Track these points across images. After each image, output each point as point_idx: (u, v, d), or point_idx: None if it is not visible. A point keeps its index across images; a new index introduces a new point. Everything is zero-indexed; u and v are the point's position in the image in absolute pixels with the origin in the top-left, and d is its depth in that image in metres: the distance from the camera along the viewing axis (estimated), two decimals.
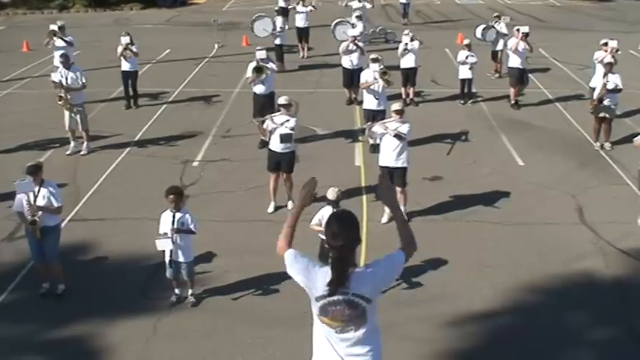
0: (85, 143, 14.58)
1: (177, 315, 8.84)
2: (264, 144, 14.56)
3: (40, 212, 8.88)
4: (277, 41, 20.95)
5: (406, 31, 18.12)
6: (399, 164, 11.03)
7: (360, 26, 20.48)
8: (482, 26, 20.52)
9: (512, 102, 17.44)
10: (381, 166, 11.08)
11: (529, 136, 15.34)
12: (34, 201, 8.86)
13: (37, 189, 8.89)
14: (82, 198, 12.25)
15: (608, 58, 14.83)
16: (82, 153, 14.40)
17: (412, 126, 11.28)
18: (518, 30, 17.24)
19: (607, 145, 14.36)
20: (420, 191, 12.31)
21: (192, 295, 9.16)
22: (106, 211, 11.55)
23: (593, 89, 14.49)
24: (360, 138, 15.16)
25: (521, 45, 16.91)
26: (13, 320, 8.79)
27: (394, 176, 10.93)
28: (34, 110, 17.59)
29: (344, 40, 18.21)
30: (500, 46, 20.05)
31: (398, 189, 10.82)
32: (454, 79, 20.00)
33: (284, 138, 11.42)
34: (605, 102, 14.05)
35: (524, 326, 8.52)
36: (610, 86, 13.98)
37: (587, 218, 11.34)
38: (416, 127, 15.14)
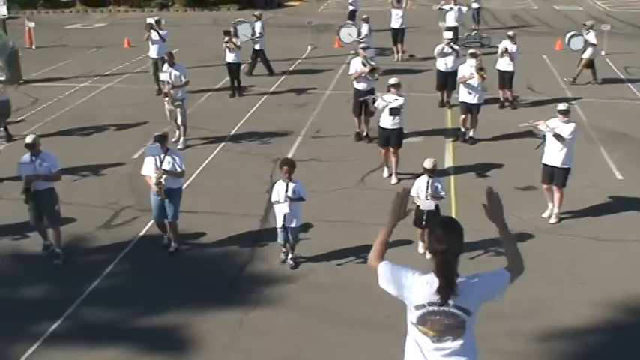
0: (182, 138, 15.03)
1: (264, 310, 8.96)
2: (360, 137, 15.20)
3: (164, 176, 9.88)
4: (257, 46, 20.91)
5: (510, 33, 17.94)
6: (560, 164, 11.13)
7: (365, 29, 21.26)
8: (570, 34, 20.34)
9: None
10: (544, 164, 11.34)
11: (628, 149, 14.78)
12: (160, 166, 9.85)
13: (162, 156, 9.95)
14: None
15: None
16: (178, 147, 14.81)
17: (577, 127, 11.28)
18: None
19: None
20: (512, 201, 12.05)
21: (292, 258, 10.01)
22: (198, 204, 11.78)
23: None
24: (455, 137, 15.23)
25: None
26: (105, 306, 9.13)
27: (554, 175, 11.17)
28: (133, 104, 18.22)
29: (349, 43, 20.61)
30: (585, 55, 19.60)
31: (555, 188, 11.23)
32: (551, 86, 19.58)
33: (393, 112, 12.62)
34: None
35: (615, 346, 8.23)
36: None
37: None
38: (507, 131, 15.06)
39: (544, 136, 11.56)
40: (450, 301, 4.22)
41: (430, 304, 4.25)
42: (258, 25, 21.05)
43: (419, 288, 4.29)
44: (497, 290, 4.41)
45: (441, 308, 4.24)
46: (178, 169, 10.08)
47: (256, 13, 22.33)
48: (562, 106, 11.30)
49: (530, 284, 9.45)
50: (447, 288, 4.18)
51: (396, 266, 4.46)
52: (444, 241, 4.19)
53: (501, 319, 8.47)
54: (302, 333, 8.48)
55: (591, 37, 19.53)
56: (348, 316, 8.70)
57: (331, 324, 8.61)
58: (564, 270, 9.90)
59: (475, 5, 28.27)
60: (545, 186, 11.46)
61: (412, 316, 4.38)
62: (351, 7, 28.60)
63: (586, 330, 8.53)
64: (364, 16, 22.05)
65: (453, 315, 4.25)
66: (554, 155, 11.16)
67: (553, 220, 11.32)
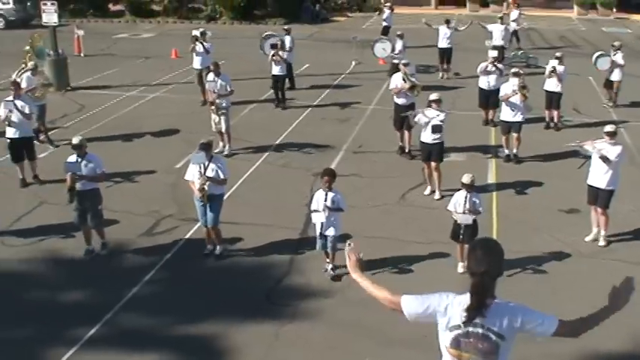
0: (227, 145, 15.32)
1: (300, 324, 8.94)
2: (403, 150, 15.34)
3: (208, 182, 10.12)
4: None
5: (558, 54, 17.76)
6: (604, 186, 11.00)
7: (399, 44, 21.27)
8: (598, 53, 20.05)
9: None
10: (589, 185, 11.21)
11: None
12: (204, 172, 10.12)
13: (207, 163, 10.21)
14: None
15: None
16: (224, 153, 15.01)
17: (624, 150, 11.13)
18: None
19: None
20: (554, 223, 11.91)
21: (332, 268, 10.06)
22: (239, 215, 11.83)
23: None
24: (497, 154, 15.21)
25: None
26: (144, 312, 9.23)
27: (598, 196, 11.06)
28: (178, 114, 18.46)
29: (383, 57, 21.48)
30: (615, 77, 19.29)
31: (599, 210, 11.10)
32: (597, 108, 19.29)
33: (435, 129, 12.70)
34: None
35: None
36: None
37: None
38: (551, 151, 14.87)
39: (587, 156, 11.41)
40: (484, 324, 4.15)
41: (465, 324, 4.19)
42: (287, 40, 21.16)
43: (455, 309, 4.23)
44: (536, 326, 4.22)
45: (475, 330, 4.17)
46: (222, 176, 10.32)
47: (286, 27, 22.53)
48: (609, 127, 11.14)
49: (569, 307, 9.28)
50: (475, 309, 4.11)
51: (420, 296, 4.38)
52: (484, 262, 4.13)
53: (535, 340, 8.33)
54: (338, 348, 8.44)
55: (619, 57, 19.21)
56: (384, 333, 8.63)
57: (368, 340, 8.55)
58: (605, 295, 9.67)
59: (514, 25, 28.04)
60: (592, 207, 11.30)
61: (445, 339, 4.31)
62: (384, 23, 28.99)
63: (623, 356, 8.35)
64: (399, 32, 22.04)
65: (487, 339, 4.17)
66: (599, 176, 11.00)
67: (602, 242, 11.13)
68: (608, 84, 19.65)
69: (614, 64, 19.25)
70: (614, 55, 19.36)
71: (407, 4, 41.32)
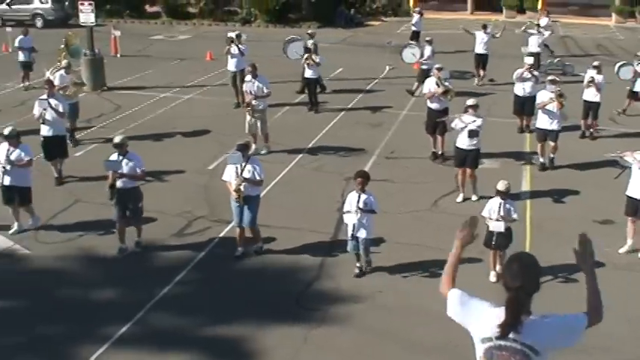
0: (265, 144, 15.52)
1: (329, 328, 8.94)
2: (435, 156, 15.32)
3: (244, 183, 10.24)
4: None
5: (596, 63, 17.53)
6: None
7: (428, 50, 20.93)
8: (620, 63, 19.77)
9: None
10: (628, 196, 11.06)
11: None
12: (241, 173, 10.26)
13: (243, 164, 10.33)
14: None
15: None
16: (262, 152, 15.17)
17: None
18: None
19: None
20: (588, 233, 11.70)
21: (367, 261, 10.20)
22: (270, 218, 11.81)
23: None
24: (531, 161, 15.11)
25: None
26: (174, 312, 9.32)
27: (638, 209, 10.95)
28: (212, 116, 18.59)
29: (410, 63, 21.13)
30: (638, 87, 18.89)
31: None
32: (633, 118, 18.98)
33: (472, 134, 12.71)
34: None
35: None
36: None
37: None
38: (587, 160, 14.68)
39: (625, 166, 11.23)
40: (517, 338, 4.08)
41: (497, 337, 4.14)
42: (310, 44, 21.16)
43: (488, 320, 4.17)
44: (571, 336, 4.23)
45: (508, 344, 4.11)
46: (257, 178, 10.43)
47: (309, 31, 22.55)
48: None
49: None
50: (509, 325, 4.05)
51: (467, 295, 4.34)
52: (519, 278, 4.07)
53: (569, 353, 8.18)
54: (366, 353, 8.42)
55: None
56: (413, 341, 8.60)
57: (396, 346, 8.52)
58: (638, 308, 9.53)
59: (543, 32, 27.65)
60: (629, 218, 11.12)
61: (479, 350, 4.26)
62: (413, 28, 28.73)
63: None
64: (428, 38, 21.85)
65: (521, 353, 4.10)
66: (638, 188, 10.82)
67: None
68: (632, 94, 19.30)
69: (636, 74, 18.90)
70: (638, 64, 19.02)
71: (443, 9, 41.14)
